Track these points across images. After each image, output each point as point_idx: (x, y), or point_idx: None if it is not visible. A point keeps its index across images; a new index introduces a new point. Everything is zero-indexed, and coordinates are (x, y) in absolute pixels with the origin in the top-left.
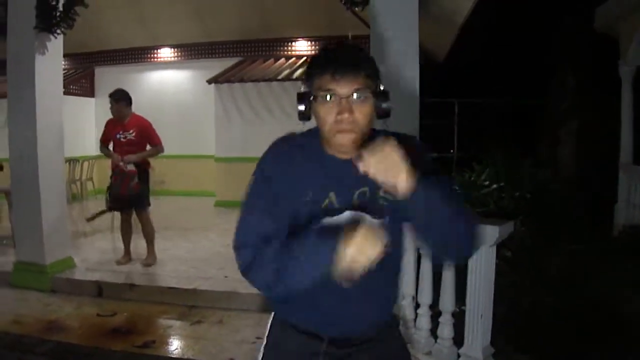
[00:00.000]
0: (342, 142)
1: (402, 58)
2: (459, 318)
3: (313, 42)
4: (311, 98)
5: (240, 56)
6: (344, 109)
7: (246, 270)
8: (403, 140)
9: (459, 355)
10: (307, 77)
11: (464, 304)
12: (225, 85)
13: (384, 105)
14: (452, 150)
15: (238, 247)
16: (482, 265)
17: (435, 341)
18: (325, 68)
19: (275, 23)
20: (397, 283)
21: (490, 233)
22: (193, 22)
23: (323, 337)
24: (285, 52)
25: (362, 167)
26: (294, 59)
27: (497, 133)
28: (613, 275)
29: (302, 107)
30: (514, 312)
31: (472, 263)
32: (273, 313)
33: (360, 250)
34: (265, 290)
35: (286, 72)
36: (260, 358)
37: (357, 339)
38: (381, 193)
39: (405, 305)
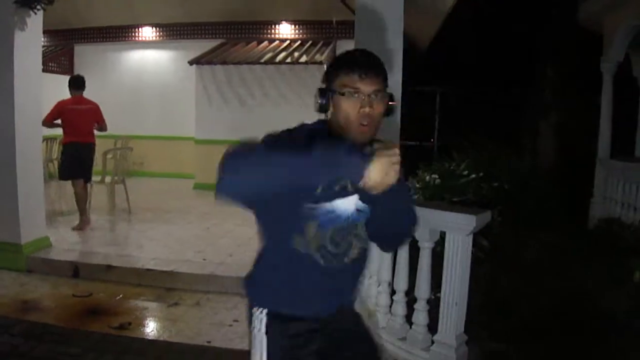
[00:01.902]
0: (361, 135)
1: (386, 46)
2: (434, 305)
3: (297, 26)
4: (335, 93)
5: (222, 38)
6: (366, 104)
7: (230, 176)
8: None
9: (433, 342)
10: (330, 74)
11: (439, 291)
12: (207, 66)
13: (391, 104)
14: (432, 139)
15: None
16: (459, 254)
17: (410, 327)
18: (354, 69)
19: (259, 6)
20: (366, 266)
21: (468, 221)
22: (176, 1)
23: (313, 318)
24: (269, 36)
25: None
26: (276, 42)
27: (479, 123)
28: (588, 267)
29: (322, 101)
30: (489, 300)
31: (448, 251)
32: (260, 308)
33: (384, 170)
34: (235, 181)
35: (269, 55)
36: (262, 352)
37: (335, 318)
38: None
39: (381, 292)
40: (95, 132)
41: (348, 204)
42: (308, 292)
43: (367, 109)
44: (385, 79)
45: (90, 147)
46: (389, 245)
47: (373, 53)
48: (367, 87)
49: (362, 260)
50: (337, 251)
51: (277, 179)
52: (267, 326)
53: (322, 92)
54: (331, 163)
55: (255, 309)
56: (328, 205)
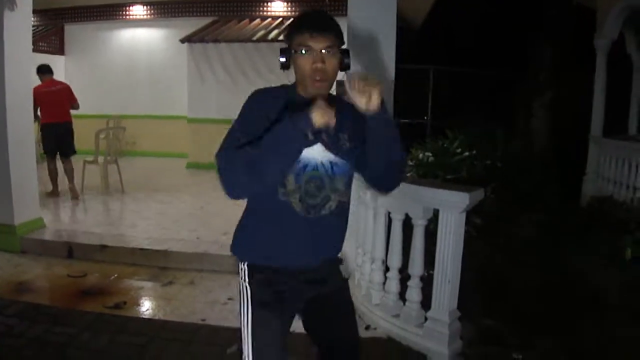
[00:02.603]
0: (316, 89)
1: (379, 22)
2: (427, 282)
3: (289, 3)
4: (292, 52)
5: (214, 15)
6: (317, 59)
7: (224, 175)
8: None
9: (426, 319)
10: (288, 35)
11: (432, 268)
12: (199, 44)
13: (346, 60)
14: (425, 117)
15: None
16: (452, 231)
17: (404, 304)
18: (304, 28)
19: None
20: (346, 227)
21: (461, 199)
22: None
23: (291, 269)
24: (261, 13)
25: (347, 85)
26: (269, 19)
27: (473, 102)
28: (580, 245)
29: (283, 59)
30: (482, 277)
31: (441, 228)
32: (245, 264)
33: (322, 114)
34: (238, 188)
35: (261, 33)
36: (247, 300)
37: (314, 270)
38: (341, 136)
39: (375, 269)
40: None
41: (313, 153)
42: (289, 243)
43: (319, 65)
44: (337, 37)
45: (67, 126)
46: (388, 181)
47: (326, 14)
48: (317, 44)
49: (342, 214)
50: (314, 202)
51: (267, 172)
52: (248, 277)
53: (282, 51)
54: (284, 134)
55: (240, 263)
56: None
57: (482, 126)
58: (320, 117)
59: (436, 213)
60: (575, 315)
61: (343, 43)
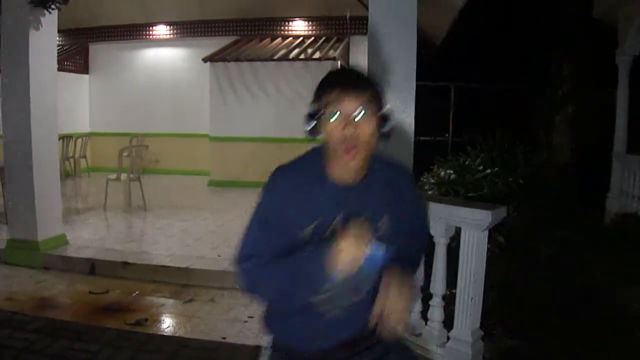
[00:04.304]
0: (347, 161)
1: (399, 40)
2: (450, 301)
3: (310, 22)
4: (319, 116)
5: (236, 35)
6: (348, 124)
7: (249, 290)
8: (395, 172)
9: (448, 338)
10: (316, 96)
11: (455, 287)
12: (221, 64)
13: (386, 126)
14: (447, 134)
15: (238, 262)
16: (474, 250)
17: (426, 323)
18: (333, 88)
19: (273, 2)
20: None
21: (483, 217)
22: None
23: (323, 350)
24: (282, 32)
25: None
26: (290, 38)
27: (493, 118)
28: (604, 263)
29: (308, 126)
30: (504, 296)
31: (464, 247)
32: (271, 338)
33: (349, 253)
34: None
35: (282, 52)
36: None
37: (353, 344)
38: (377, 217)
39: None
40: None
41: None
42: (309, 331)
43: (349, 130)
44: (374, 97)
45: None
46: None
47: (359, 71)
48: (349, 104)
49: (371, 294)
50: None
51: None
52: (270, 357)
53: (308, 116)
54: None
55: (266, 337)
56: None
57: (503, 142)
58: (348, 258)
59: (458, 231)
60: (599, 335)
61: (382, 106)
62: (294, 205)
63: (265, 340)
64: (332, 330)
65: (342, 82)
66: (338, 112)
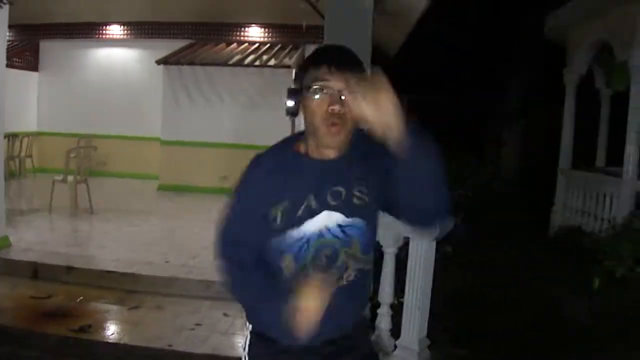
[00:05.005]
0: (331, 137)
1: (354, 50)
2: (397, 310)
3: (266, 29)
4: (303, 93)
5: (191, 38)
6: (335, 101)
7: (228, 290)
8: (374, 144)
9: (396, 347)
10: (300, 72)
11: (402, 296)
12: (175, 67)
13: None
14: None
15: (222, 250)
16: (422, 259)
17: (374, 332)
18: (322, 62)
19: (229, 7)
20: (368, 285)
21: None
22: (144, 0)
23: (301, 347)
24: (238, 38)
25: (355, 106)
26: (246, 44)
27: (446, 130)
28: (549, 274)
29: (291, 103)
30: (451, 306)
31: (412, 257)
32: (250, 326)
33: (307, 309)
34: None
35: (237, 57)
36: None
37: (334, 342)
38: (356, 192)
39: None
40: None
41: (319, 223)
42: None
43: (336, 107)
44: (359, 74)
45: None
46: (427, 222)
47: (345, 48)
48: (337, 81)
49: (360, 282)
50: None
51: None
52: (249, 346)
53: (290, 93)
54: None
55: (245, 325)
56: (295, 233)
57: (453, 155)
58: (308, 316)
59: (407, 240)
60: (546, 344)
61: None
62: (270, 186)
63: (246, 326)
64: (318, 326)
65: (328, 59)
66: (324, 88)
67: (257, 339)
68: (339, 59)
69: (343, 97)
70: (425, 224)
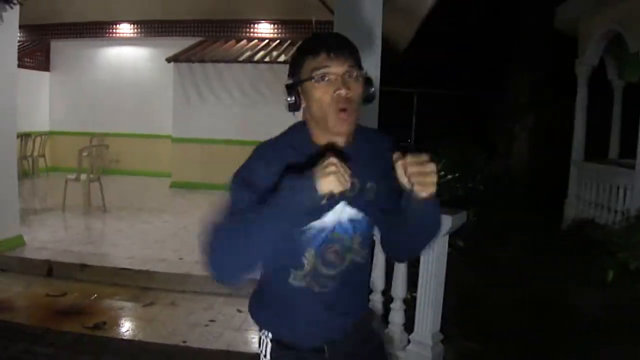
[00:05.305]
0: (340, 124)
1: (364, 46)
2: (410, 305)
3: (276, 25)
4: (303, 83)
5: (201, 36)
6: (341, 85)
7: (206, 250)
8: (380, 140)
9: (409, 341)
10: (296, 64)
11: (415, 291)
12: (185, 64)
13: (371, 89)
14: (409, 140)
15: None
16: (435, 254)
17: (387, 326)
18: (320, 49)
19: (238, 4)
20: (369, 276)
21: (444, 222)
22: None
23: (316, 347)
24: (247, 34)
25: (401, 164)
26: (255, 41)
27: (455, 124)
28: (562, 267)
29: (292, 98)
30: (464, 300)
31: (424, 251)
32: (264, 331)
33: (332, 179)
34: (228, 267)
35: (247, 54)
36: None
37: (343, 340)
38: (368, 186)
39: None
40: None
41: (336, 215)
42: (306, 324)
43: (342, 91)
44: (359, 60)
45: None
46: (402, 257)
47: (337, 33)
48: (339, 66)
49: (359, 272)
50: (332, 272)
51: (260, 246)
52: (271, 352)
53: (288, 89)
54: (289, 200)
55: (261, 332)
56: (318, 224)
57: (464, 148)
58: (329, 184)
59: None
60: (558, 337)
61: (363, 68)
62: (277, 172)
63: (264, 333)
64: (331, 323)
65: (326, 45)
66: (326, 74)
67: (277, 345)
68: (336, 44)
69: (347, 79)
70: (398, 258)
